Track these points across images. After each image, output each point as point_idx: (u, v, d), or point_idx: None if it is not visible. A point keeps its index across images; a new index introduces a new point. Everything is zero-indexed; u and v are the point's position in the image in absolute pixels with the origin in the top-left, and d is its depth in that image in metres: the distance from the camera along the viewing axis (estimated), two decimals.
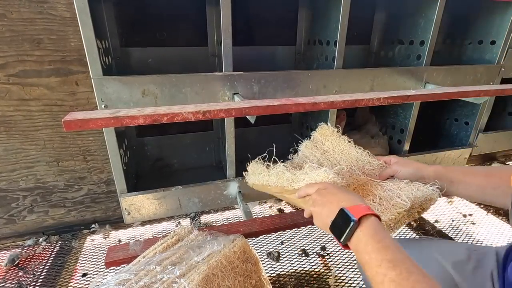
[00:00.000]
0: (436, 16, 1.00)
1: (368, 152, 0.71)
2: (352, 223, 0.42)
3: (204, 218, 1.19)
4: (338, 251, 1.04)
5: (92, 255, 1.01)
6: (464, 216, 1.23)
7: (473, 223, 1.19)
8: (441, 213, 1.25)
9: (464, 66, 1.15)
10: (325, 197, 0.50)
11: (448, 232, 1.13)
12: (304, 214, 0.56)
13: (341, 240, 0.43)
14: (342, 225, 0.44)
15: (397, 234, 1.12)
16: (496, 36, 1.15)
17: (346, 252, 1.04)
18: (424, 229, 1.14)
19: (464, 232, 1.14)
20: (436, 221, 1.19)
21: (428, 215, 1.22)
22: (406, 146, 1.23)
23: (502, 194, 0.54)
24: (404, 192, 0.58)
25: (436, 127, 1.49)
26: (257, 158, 0.76)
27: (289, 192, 0.62)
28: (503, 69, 1.18)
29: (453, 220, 1.20)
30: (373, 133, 1.33)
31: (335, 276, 0.93)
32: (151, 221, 1.16)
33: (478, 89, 0.90)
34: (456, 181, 0.59)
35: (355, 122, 1.45)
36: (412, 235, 1.12)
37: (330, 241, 1.08)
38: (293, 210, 1.21)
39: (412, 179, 0.63)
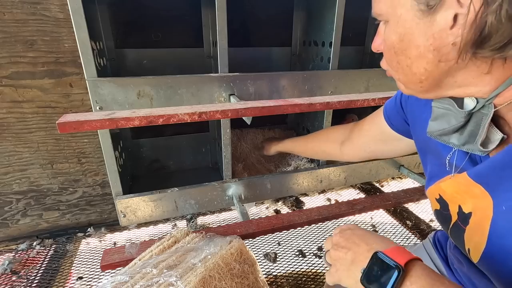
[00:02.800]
0: None
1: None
2: (396, 273, 0.32)
3: (200, 220, 1.19)
4: None
5: (87, 258, 1.00)
6: None
7: None
8: None
9: None
10: (349, 239, 0.40)
11: None
12: (326, 279, 0.42)
13: None
14: (381, 275, 0.33)
15: (394, 233, 1.13)
16: None
17: None
18: (420, 228, 1.15)
19: None
20: (432, 220, 1.20)
21: (423, 214, 1.23)
22: None
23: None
24: None
25: None
26: None
27: None
28: None
29: None
30: None
31: None
32: (147, 224, 1.15)
33: None
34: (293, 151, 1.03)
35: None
36: (408, 234, 1.12)
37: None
38: (290, 211, 1.21)
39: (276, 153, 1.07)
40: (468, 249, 0.41)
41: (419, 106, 0.50)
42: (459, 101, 0.37)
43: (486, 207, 0.37)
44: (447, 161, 0.42)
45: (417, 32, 0.33)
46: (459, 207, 0.42)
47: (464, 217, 0.41)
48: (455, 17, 0.30)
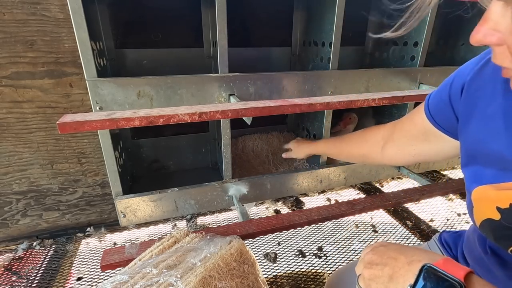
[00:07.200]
0: (430, 18, 1.01)
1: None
2: None
3: (200, 220, 1.19)
4: (334, 251, 1.04)
5: (87, 258, 1.00)
6: (459, 215, 1.24)
7: (467, 222, 1.20)
8: (436, 212, 1.26)
9: (457, 66, 1.16)
10: (384, 254, 0.37)
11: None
12: None
13: None
14: None
15: (394, 234, 1.13)
16: None
17: (343, 252, 1.04)
18: (420, 228, 1.15)
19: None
20: (431, 220, 1.20)
21: (423, 214, 1.23)
22: None
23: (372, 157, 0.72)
24: None
25: None
26: None
27: None
28: None
29: (447, 219, 1.21)
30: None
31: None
32: (147, 224, 1.15)
33: None
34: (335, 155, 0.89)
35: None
36: (408, 234, 1.12)
37: (327, 241, 1.09)
38: (290, 211, 1.21)
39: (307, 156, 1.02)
40: None
41: (484, 97, 0.41)
42: None
43: None
44: None
45: None
46: None
47: None
48: None
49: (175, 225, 1.16)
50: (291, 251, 1.04)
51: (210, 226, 1.15)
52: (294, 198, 1.29)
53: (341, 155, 0.83)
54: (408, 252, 0.35)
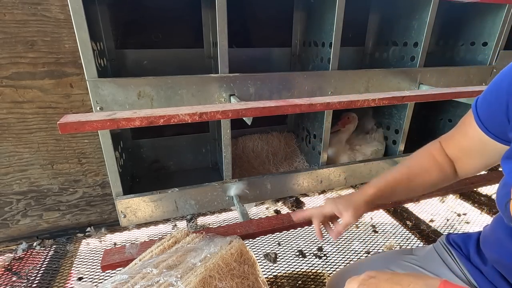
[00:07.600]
0: (429, 18, 1.01)
1: None
2: None
3: (200, 220, 1.19)
4: (334, 251, 1.04)
5: (87, 258, 1.00)
6: (459, 215, 1.24)
7: (467, 222, 1.20)
8: (436, 212, 1.26)
9: (457, 67, 1.17)
10: (377, 287, 0.37)
11: (443, 231, 1.14)
12: None
13: None
14: None
15: (394, 234, 1.13)
16: (488, 37, 1.17)
17: (343, 252, 1.04)
18: (420, 228, 1.15)
19: (458, 231, 1.15)
20: (431, 220, 1.20)
21: (423, 215, 1.23)
22: (401, 147, 1.24)
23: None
24: None
25: (430, 128, 1.51)
26: None
27: None
28: (495, 70, 1.20)
29: (447, 220, 1.21)
30: (368, 128, 1.34)
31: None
32: (147, 224, 1.15)
33: (470, 90, 0.91)
34: (387, 197, 0.58)
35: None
36: (408, 234, 1.13)
37: (327, 241, 1.09)
38: (290, 211, 1.21)
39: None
40: None
41: None
42: None
43: None
44: None
45: None
46: None
47: None
48: None
49: (175, 225, 1.16)
50: (291, 251, 1.04)
51: (210, 226, 1.15)
52: (294, 198, 1.29)
53: (404, 194, 0.61)
54: (402, 281, 0.34)
